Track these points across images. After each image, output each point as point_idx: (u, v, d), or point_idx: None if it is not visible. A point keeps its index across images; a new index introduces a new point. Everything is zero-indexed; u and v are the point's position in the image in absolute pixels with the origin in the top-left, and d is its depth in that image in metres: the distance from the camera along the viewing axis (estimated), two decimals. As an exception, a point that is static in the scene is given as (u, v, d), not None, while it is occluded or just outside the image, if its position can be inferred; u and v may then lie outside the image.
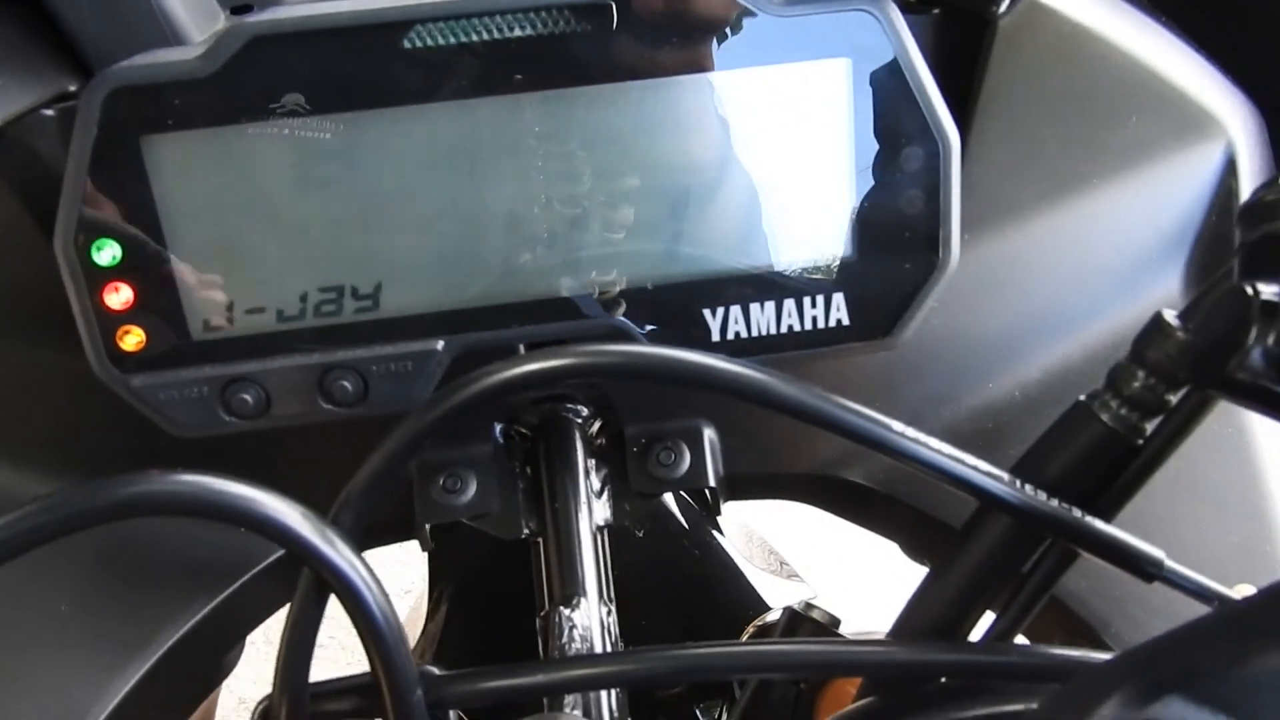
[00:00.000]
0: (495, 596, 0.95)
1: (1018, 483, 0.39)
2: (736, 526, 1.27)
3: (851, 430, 0.39)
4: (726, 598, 1.08)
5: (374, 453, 0.41)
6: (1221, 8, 0.58)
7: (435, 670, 0.42)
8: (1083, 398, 0.40)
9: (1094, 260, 0.57)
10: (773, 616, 1.03)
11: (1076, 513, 0.38)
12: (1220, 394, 0.35)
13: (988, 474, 0.39)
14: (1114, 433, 0.38)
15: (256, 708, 0.46)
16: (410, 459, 0.41)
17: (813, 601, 0.65)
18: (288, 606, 0.61)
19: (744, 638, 0.80)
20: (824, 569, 1.95)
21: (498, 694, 0.42)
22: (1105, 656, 0.38)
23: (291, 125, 0.44)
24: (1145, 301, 0.58)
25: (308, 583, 0.40)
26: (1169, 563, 0.39)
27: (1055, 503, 0.38)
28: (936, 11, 0.51)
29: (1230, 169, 0.56)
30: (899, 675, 0.42)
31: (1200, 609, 0.41)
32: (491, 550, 0.98)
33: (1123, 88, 0.52)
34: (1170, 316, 0.37)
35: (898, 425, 0.39)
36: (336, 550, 0.38)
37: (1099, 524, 0.38)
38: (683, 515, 1.07)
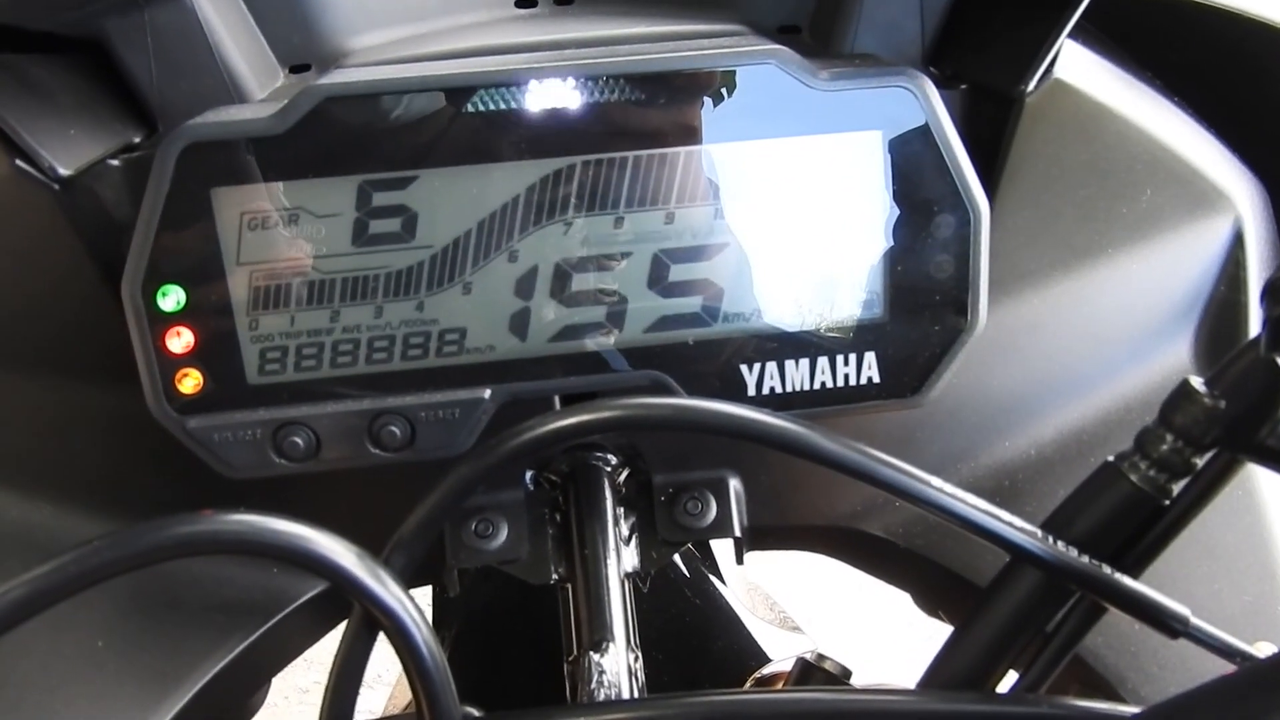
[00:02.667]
0: (498, 642, 0.95)
1: (1049, 538, 0.40)
2: (738, 578, 1.28)
3: (892, 485, 0.40)
4: (727, 648, 1.08)
5: (428, 496, 0.42)
6: (1229, 90, 0.61)
7: (475, 712, 0.43)
8: (1111, 458, 0.42)
9: (1107, 326, 0.59)
10: (773, 668, 1.03)
11: (1106, 569, 0.40)
12: (1251, 459, 0.37)
13: (1020, 529, 0.40)
14: (1142, 493, 0.40)
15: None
16: (462, 503, 0.42)
17: (823, 653, 0.66)
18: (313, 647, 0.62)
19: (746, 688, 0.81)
20: (825, 622, 1.96)
21: None
22: (1132, 710, 0.39)
23: (354, 182, 0.46)
24: (1156, 367, 0.60)
25: (359, 621, 0.41)
26: (1194, 620, 0.40)
27: (1086, 559, 0.40)
28: (964, 87, 0.53)
29: (1238, 242, 0.59)
30: None
31: (1212, 665, 0.42)
32: (495, 596, 0.99)
33: (1139, 163, 0.55)
34: (1197, 384, 0.39)
35: (936, 480, 0.40)
36: (388, 590, 0.39)
37: (1127, 580, 0.40)
38: (684, 565, 1.08)
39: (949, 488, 0.41)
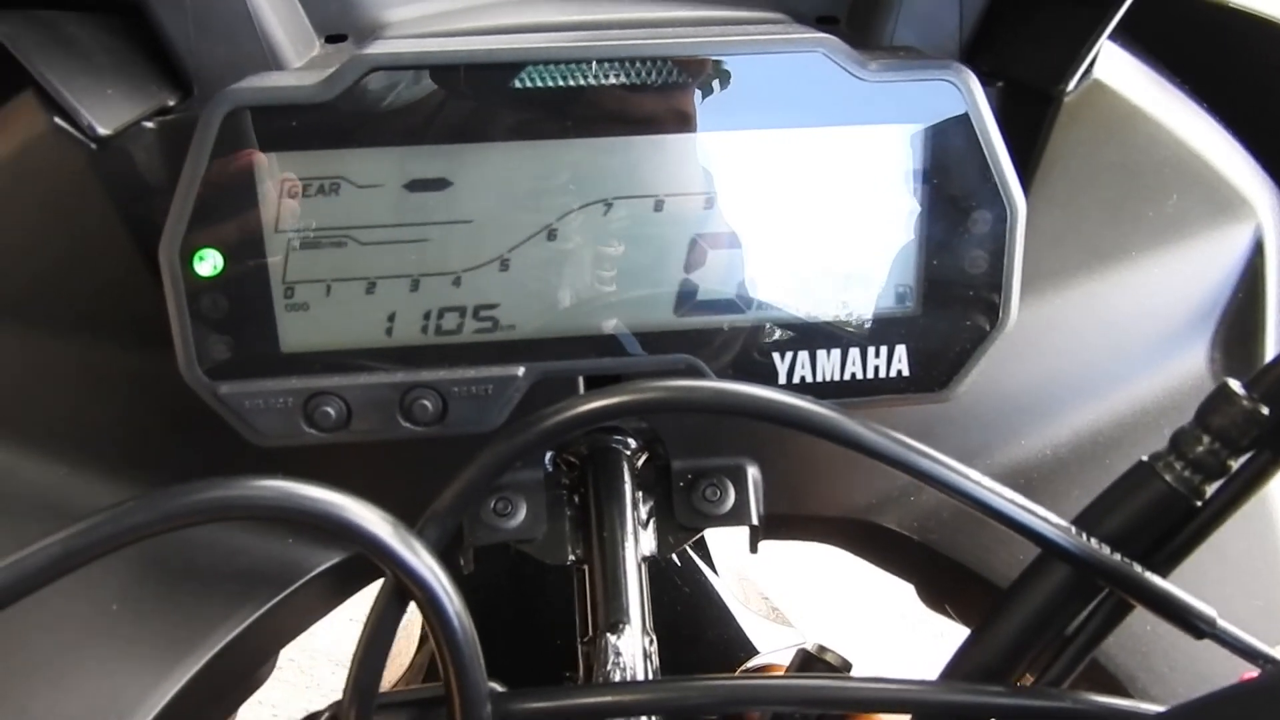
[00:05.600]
0: (490, 625, 0.95)
1: (1081, 534, 0.41)
2: (730, 570, 1.29)
3: (931, 476, 0.41)
4: (717, 638, 1.08)
5: (464, 470, 0.42)
6: (1256, 97, 0.61)
7: (499, 687, 0.43)
8: (1145, 458, 0.42)
9: (1127, 328, 0.59)
10: (762, 660, 1.04)
11: (1136, 567, 0.40)
12: (1293, 462, 0.37)
13: (1053, 524, 0.41)
14: (1176, 493, 0.41)
15: (323, 713, 0.47)
16: (499, 478, 0.42)
17: (824, 645, 0.66)
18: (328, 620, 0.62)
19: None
20: (818, 616, 1.97)
21: (555, 714, 0.43)
22: (1156, 709, 0.40)
23: (397, 154, 0.46)
24: (1173, 370, 0.60)
25: (389, 591, 0.41)
26: (1220, 621, 0.41)
27: (1117, 556, 0.40)
28: (1001, 84, 0.54)
29: (1258, 250, 0.59)
30: (951, 715, 0.43)
31: (1221, 668, 0.43)
32: (489, 578, 0.99)
33: (1168, 167, 0.55)
34: (1236, 386, 0.39)
35: (974, 474, 0.41)
36: (421, 560, 0.39)
37: (1156, 579, 0.40)
38: (676, 554, 1.08)
39: (986, 481, 0.41)
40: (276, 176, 0.45)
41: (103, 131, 0.46)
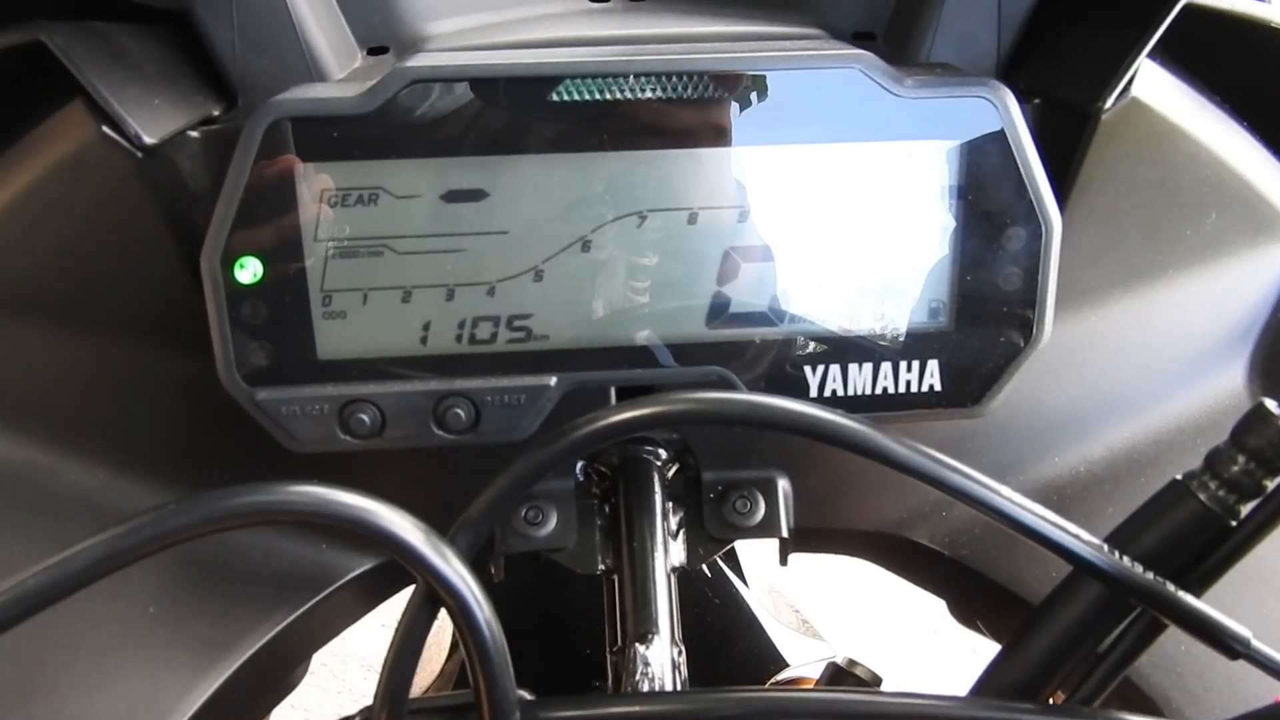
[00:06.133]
0: (516, 633, 0.95)
1: (1114, 553, 0.41)
2: (761, 582, 1.29)
3: (959, 490, 0.40)
4: (747, 649, 1.08)
5: (498, 478, 0.42)
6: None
7: (527, 695, 0.44)
8: (1179, 477, 0.42)
9: (1163, 347, 0.59)
10: (792, 673, 1.03)
11: (1169, 586, 0.40)
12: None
13: (1086, 542, 0.41)
14: (1210, 512, 0.40)
15: (354, 717, 0.47)
16: (532, 487, 0.42)
17: (854, 659, 0.66)
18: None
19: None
20: (848, 631, 1.96)
21: None
22: None
23: (436, 165, 0.46)
24: (1209, 390, 0.60)
25: (420, 597, 0.41)
26: (1255, 642, 0.40)
27: (1150, 575, 0.40)
28: (1038, 102, 0.53)
29: None
30: None
31: (1258, 688, 0.42)
32: (516, 586, 1.00)
33: (1206, 186, 0.55)
34: (1273, 406, 0.39)
35: (1006, 490, 0.41)
36: (452, 567, 0.39)
37: (1190, 599, 0.40)
38: (706, 565, 1.08)
39: (1018, 497, 0.41)
40: (316, 186, 0.46)
41: (149, 140, 0.47)
